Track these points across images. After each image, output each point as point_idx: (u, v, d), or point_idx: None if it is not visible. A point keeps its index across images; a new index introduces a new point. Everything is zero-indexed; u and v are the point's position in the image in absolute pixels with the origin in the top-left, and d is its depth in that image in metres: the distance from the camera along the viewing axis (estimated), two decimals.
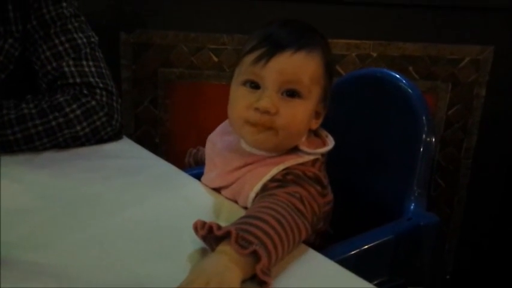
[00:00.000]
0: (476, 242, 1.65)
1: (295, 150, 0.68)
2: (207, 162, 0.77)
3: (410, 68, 1.51)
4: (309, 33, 0.67)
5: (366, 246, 0.73)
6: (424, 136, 0.86)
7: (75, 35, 0.94)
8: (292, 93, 0.64)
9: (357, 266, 0.57)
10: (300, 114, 0.65)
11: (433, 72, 1.52)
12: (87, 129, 0.89)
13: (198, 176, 0.78)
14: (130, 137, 0.97)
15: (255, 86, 0.65)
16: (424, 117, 0.87)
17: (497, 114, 1.55)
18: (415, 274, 0.82)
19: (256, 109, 0.63)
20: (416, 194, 0.84)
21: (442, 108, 1.55)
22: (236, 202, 0.69)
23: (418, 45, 1.50)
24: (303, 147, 0.67)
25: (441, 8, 1.47)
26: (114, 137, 0.93)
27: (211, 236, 0.52)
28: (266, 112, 0.63)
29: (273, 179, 0.64)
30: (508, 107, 1.55)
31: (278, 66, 0.63)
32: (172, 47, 1.54)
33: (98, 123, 0.90)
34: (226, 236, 0.50)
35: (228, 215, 0.66)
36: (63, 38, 0.92)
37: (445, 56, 1.51)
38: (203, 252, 0.56)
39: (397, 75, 0.94)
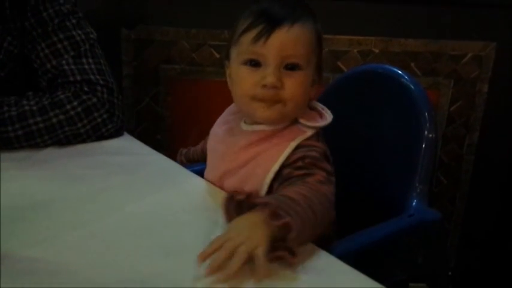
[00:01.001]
0: (478, 238, 1.65)
1: (295, 123, 0.70)
2: (209, 154, 0.78)
3: (413, 64, 1.51)
4: (300, 5, 0.69)
5: (368, 243, 0.73)
6: (426, 132, 0.85)
7: (73, 32, 0.93)
8: (293, 67, 0.67)
9: (359, 262, 0.57)
10: (303, 84, 0.68)
11: (435, 69, 1.51)
12: (88, 126, 0.89)
13: (200, 173, 0.78)
14: (131, 133, 0.97)
15: (256, 63, 0.67)
16: (426, 114, 0.86)
17: (499, 110, 1.55)
18: (417, 270, 0.82)
19: (264, 86, 0.65)
20: (418, 191, 0.83)
21: (444, 104, 1.54)
22: (239, 189, 0.68)
23: (420, 41, 1.49)
24: (303, 121, 0.70)
25: (443, 4, 1.46)
26: (115, 133, 0.93)
27: (243, 204, 0.55)
28: (273, 87, 0.65)
29: (293, 164, 0.65)
30: (510, 103, 1.54)
31: (278, 43, 0.65)
32: (173, 43, 1.54)
33: (99, 120, 0.90)
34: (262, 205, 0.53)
35: None
36: (61, 36, 0.92)
37: (447, 52, 1.50)
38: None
39: (399, 71, 0.93)
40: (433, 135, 0.85)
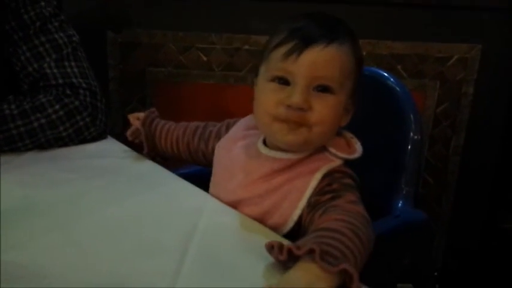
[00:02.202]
0: (465, 239, 1.66)
1: (322, 151, 0.65)
2: (218, 171, 0.72)
3: (399, 67, 1.51)
4: (339, 26, 0.65)
5: None
6: (411, 134, 0.86)
7: (55, 35, 0.92)
8: (324, 89, 0.61)
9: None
10: (333, 109, 0.62)
11: (421, 71, 1.52)
12: (70, 130, 0.87)
13: (185, 176, 0.77)
14: (118, 136, 0.96)
15: (284, 82, 0.62)
16: (411, 116, 0.87)
17: (484, 111, 1.56)
18: (403, 271, 0.82)
19: (288, 106, 0.60)
20: (404, 192, 0.83)
21: (430, 106, 1.55)
22: (261, 221, 0.64)
23: (406, 43, 1.50)
24: (333, 149, 0.65)
25: (429, 7, 1.47)
26: (98, 137, 0.91)
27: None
28: (299, 109, 0.60)
29: (320, 191, 0.61)
30: (495, 104, 1.56)
31: (309, 61, 0.60)
32: (160, 46, 1.53)
33: (81, 123, 0.88)
34: (308, 253, 0.48)
35: (211, 213, 0.65)
36: (43, 39, 0.91)
37: (433, 54, 1.51)
38: (184, 249, 0.55)
39: (385, 74, 0.93)
40: (419, 137, 0.85)
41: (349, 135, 0.69)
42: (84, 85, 0.91)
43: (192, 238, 0.58)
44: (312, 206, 0.60)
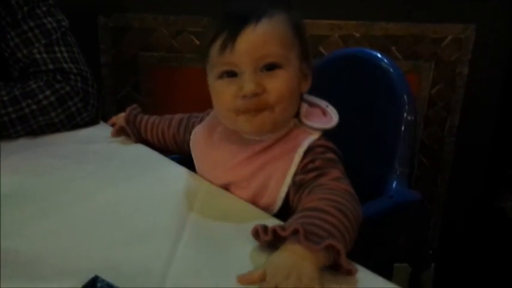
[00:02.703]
0: (461, 218, 1.67)
1: (299, 125, 0.65)
2: (201, 158, 0.72)
3: (393, 48, 1.51)
4: (263, 1, 0.63)
5: None
6: (405, 115, 0.85)
7: (44, 20, 0.91)
8: (271, 67, 0.61)
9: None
10: (287, 82, 0.61)
11: (416, 52, 1.51)
12: (62, 116, 0.87)
13: (178, 160, 0.77)
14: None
15: (231, 74, 0.61)
16: (405, 96, 0.86)
17: (479, 92, 1.56)
18: (399, 251, 0.82)
19: (244, 96, 0.60)
20: (398, 173, 0.83)
21: (425, 87, 1.55)
22: (253, 203, 0.64)
23: (400, 25, 1.49)
24: (307, 121, 0.65)
25: None
26: (91, 122, 0.91)
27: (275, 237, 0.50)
28: (254, 95, 0.60)
29: (304, 169, 0.61)
30: (490, 85, 1.56)
31: (246, 46, 0.59)
32: (152, 30, 1.51)
33: (73, 109, 0.88)
34: (293, 234, 0.48)
35: (205, 196, 0.65)
36: (32, 24, 0.89)
37: (427, 35, 1.50)
38: (178, 233, 0.55)
39: (378, 55, 0.93)
40: (412, 118, 0.85)
41: (324, 103, 0.69)
42: (74, 70, 0.90)
43: (186, 221, 0.58)
44: (298, 185, 0.60)
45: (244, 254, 0.51)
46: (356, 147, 0.92)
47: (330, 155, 0.62)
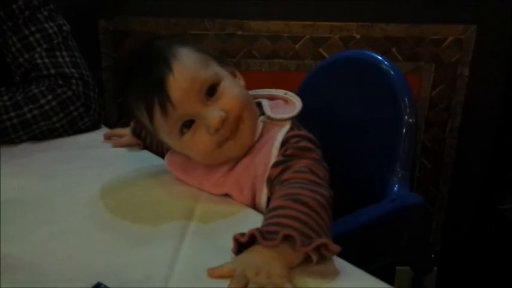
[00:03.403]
0: (462, 221, 1.67)
1: (267, 121, 0.65)
2: (185, 180, 0.70)
3: (394, 49, 1.50)
4: (163, 50, 0.62)
5: (351, 229, 0.73)
6: (406, 117, 0.85)
7: (45, 25, 0.91)
8: (212, 90, 0.61)
9: (342, 248, 0.56)
10: (234, 90, 0.62)
11: (416, 53, 1.51)
12: (63, 121, 0.87)
13: None
14: (113, 126, 0.95)
15: (188, 123, 0.61)
16: (406, 99, 0.86)
17: (481, 93, 1.56)
18: (401, 254, 0.82)
19: (217, 130, 0.60)
20: (399, 176, 0.83)
21: (426, 88, 1.54)
22: (253, 207, 0.64)
23: (401, 26, 1.49)
24: (274, 115, 0.65)
25: None
26: (92, 127, 0.91)
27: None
28: (223, 120, 0.60)
29: (274, 164, 0.61)
30: (491, 86, 1.56)
31: (180, 93, 0.59)
32: (152, 33, 1.51)
33: (75, 113, 0.88)
34: (253, 239, 0.49)
35: (206, 201, 0.65)
36: (33, 28, 0.90)
37: (428, 36, 1.50)
38: (180, 238, 0.55)
39: (379, 57, 0.92)
40: (413, 120, 0.85)
41: (281, 92, 0.70)
42: (76, 75, 0.90)
43: (188, 226, 0.58)
44: (270, 182, 0.60)
45: None
46: (357, 149, 0.92)
47: (303, 143, 0.62)
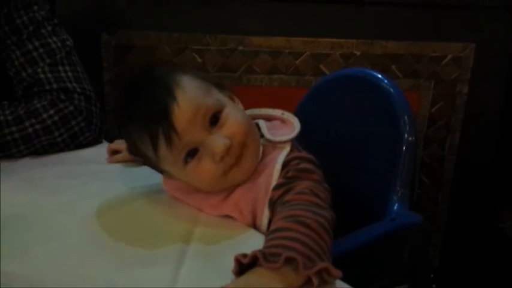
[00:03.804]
0: (461, 238, 1.66)
1: (266, 144, 0.65)
2: (184, 201, 0.70)
3: (393, 67, 1.52)
4: (162, 79, 0.62)
5: (351, 249, 0.72)
6: (406, 136, 0.86)
7: (49, 40, 0.91)
8: (215, 118, 0.61)
9: (341, 268, 0.56)
10: (236, 116, 0.62)
11: (416, 70, 1.53)
12: (65, 135, 0.87)
13: None
14: (113, 140, 0.95)
15: (193, 153, 0.61)
16: (405, 117, 0.87)
17: (480, 110, 1.57)
18: (400, 273, 0.82)
19: (222, 157, 0.60)
20: (399, 194, 0.83)
21: (425, 105, 1.55)
22: (254, 227, 0.64)
23: (401, 43, 1.50)
24: (273, 138, 0.65)
25: (423, 6, 1.48)
26: (94, 141, 0.91)
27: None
28: (228, 148, 0.60)
29: (276, 186, 0.60)
30: (490, 103, 1.57)
31: (185, 123, 0.59)
32: (154, 48, 1.52)
33: (76, 128, 0.88)
34: (255, 261, 0.48)
35: (206, 220, 0.64)
36: (36, 43, 0.90)
37: (427, 53, 1.51)
38: (180, 258, 0.55)
39: (379, 75, 0.93)
40: (413, 138, 0.85)
41: (278, 112, 0.69)
42: (78, 90, 0.90)
43: (188, 245, 0.58)
44: (272, 203, 0.60)
45: None
46: (356, 167, 0.92)
47: (304, 165, 0.62)
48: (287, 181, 0.60)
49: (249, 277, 0.48)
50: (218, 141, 0.60)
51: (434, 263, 1.64)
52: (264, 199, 0.62)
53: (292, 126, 0.67)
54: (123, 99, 0.64)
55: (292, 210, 0.55)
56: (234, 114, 0.62)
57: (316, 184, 0.60)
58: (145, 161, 0.66)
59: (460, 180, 1.61)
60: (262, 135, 0.66)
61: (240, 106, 0.68)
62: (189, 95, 0.60)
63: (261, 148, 0.65)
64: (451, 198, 1.63)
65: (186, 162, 0.61)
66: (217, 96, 0.63)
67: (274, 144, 0.65)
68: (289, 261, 0.47)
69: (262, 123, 0.68)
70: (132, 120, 0.62)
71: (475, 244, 1.64)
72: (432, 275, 0.90)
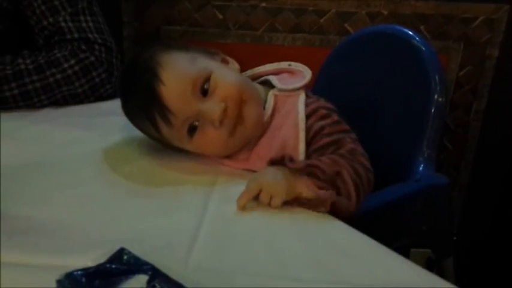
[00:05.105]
0: (482, 205, 1.64)
1: (278, 94, 0.66)
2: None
3: (422, 27, 1.46)
4: (146, 61, 0.62)
5: (375, 207, 0.72)
6: (436, 96, 0.83)
7: None
8: (204, 90, 0.61)
9: (364, 225, 0.55)
10: (226, 79, 0.62)
11: (445, 32, 1.47)
12: (85, 86, 0.86)
13: None
14: None
15: (195, 127, 0.62)
16: (436, 77, 0.83)
17: (508, 76, 1.51)
18: (423, 235, 0.81)
19: (221, 121, 0.60)
20: (425, 155, 0.81)
21: (453, 69, 1.50)
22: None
23: (430, 3, 1.44)
24: (286, 86, 0.66)
25: None
26: (114, 94, 0.90)
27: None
28: (225, 110, 0.60)
29: (316, 134, 0.62)
30: None
31: (176, 99, 0.60)
32: (175, 3, 1.49)
33: (97, 79, 0.87)
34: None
35: (229, 172, 0.64)
36: None
37: (458, 14, 1.45)
38: (203, 207, 0.55)
39: (410, 32, 0.89)
40: (443, 99, 0.82)
41: (286, 63, 0.70)
42: (99, 40, 0.89)
43: (211, 195, 0.57)
44: (314, 150, 0.62)
45: (267, 230, 0.51)
46: (383, 127, 0.90)
47: (334, 117, 0.64)
48: (333, 139, 0.62)
49: (267, 169, 0.56)
50: (212, 107, 0.60)
51: (454, 229, 1.63)
52: (294, 152, 0.61)
53: (302, 74, 0.68)
54: (120, 95, 0.67)
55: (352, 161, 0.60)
56: (223, 76, 0.62)
57: (357, 145, 0.63)
58: (162, 144, 0.67)
59: (484, 147, 1.58)
60: (273, 87, 0.67)
61: (235, 66, 0.68)
62: (173, 72, 0.61)
63: (272, 98, 0.65)
64: (473, 165, 1.60)
65: (191, 136, 0.62)
66: (202, 64, 0.63)
67: (288, 93, 0.66)
68: (312, 173, 0.55)
69: (271, 77, 0.68)
70: (132, 111, 0.65)
71: (496, 213, 1.62)
72: (455, 238, 0.88)
